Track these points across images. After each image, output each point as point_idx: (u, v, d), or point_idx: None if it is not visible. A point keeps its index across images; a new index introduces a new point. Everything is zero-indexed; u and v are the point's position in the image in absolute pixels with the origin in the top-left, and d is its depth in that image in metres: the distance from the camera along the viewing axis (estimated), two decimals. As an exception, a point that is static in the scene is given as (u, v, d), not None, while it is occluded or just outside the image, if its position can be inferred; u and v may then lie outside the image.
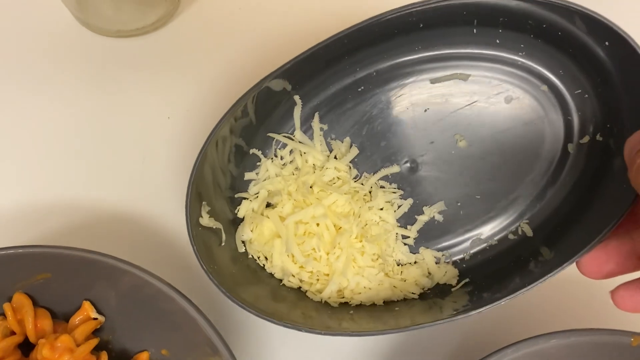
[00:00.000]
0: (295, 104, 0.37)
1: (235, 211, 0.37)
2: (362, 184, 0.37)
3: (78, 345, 0.31)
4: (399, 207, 0.37)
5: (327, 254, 0.35)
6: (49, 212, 0.41)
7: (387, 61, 0.36)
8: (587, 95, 0.34)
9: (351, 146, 0.38)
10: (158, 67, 0.45)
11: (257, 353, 0.38)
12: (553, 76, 0.35)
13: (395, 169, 0.37)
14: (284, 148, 0.38)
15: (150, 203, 0.41)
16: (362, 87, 0.37)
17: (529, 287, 0.30)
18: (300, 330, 0.31)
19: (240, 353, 0.37)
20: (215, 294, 0.35)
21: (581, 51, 0.33)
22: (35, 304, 0.33)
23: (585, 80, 0.34)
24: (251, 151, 0.38)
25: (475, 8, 0.33)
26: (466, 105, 0.37)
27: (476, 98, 0.37)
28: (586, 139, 0.35)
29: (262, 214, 0.37)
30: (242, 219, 0.37)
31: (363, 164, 0.38)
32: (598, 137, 0.34)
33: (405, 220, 0.37)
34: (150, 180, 0.42)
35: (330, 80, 0.37)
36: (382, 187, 0.37)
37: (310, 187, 0.37)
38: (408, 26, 0.34)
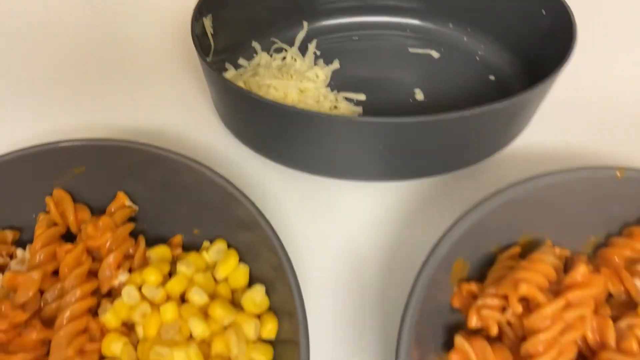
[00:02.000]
0: (302, 28, 0.46)
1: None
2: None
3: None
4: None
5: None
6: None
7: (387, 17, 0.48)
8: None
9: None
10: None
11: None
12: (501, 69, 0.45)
13: (361, 96, 0.44)
14: (279, 53, 0.45)
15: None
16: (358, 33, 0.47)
17: None
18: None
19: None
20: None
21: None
22: (73, 200, 0.34)
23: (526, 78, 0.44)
24: (253, 43, 0.45)
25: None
26: (434, 70, 0.45)
27: (442, 65, 0.46)
28: None
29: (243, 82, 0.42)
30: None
31: (336, 83, 0.45)
32: None
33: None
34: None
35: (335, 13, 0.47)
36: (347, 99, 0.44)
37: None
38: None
